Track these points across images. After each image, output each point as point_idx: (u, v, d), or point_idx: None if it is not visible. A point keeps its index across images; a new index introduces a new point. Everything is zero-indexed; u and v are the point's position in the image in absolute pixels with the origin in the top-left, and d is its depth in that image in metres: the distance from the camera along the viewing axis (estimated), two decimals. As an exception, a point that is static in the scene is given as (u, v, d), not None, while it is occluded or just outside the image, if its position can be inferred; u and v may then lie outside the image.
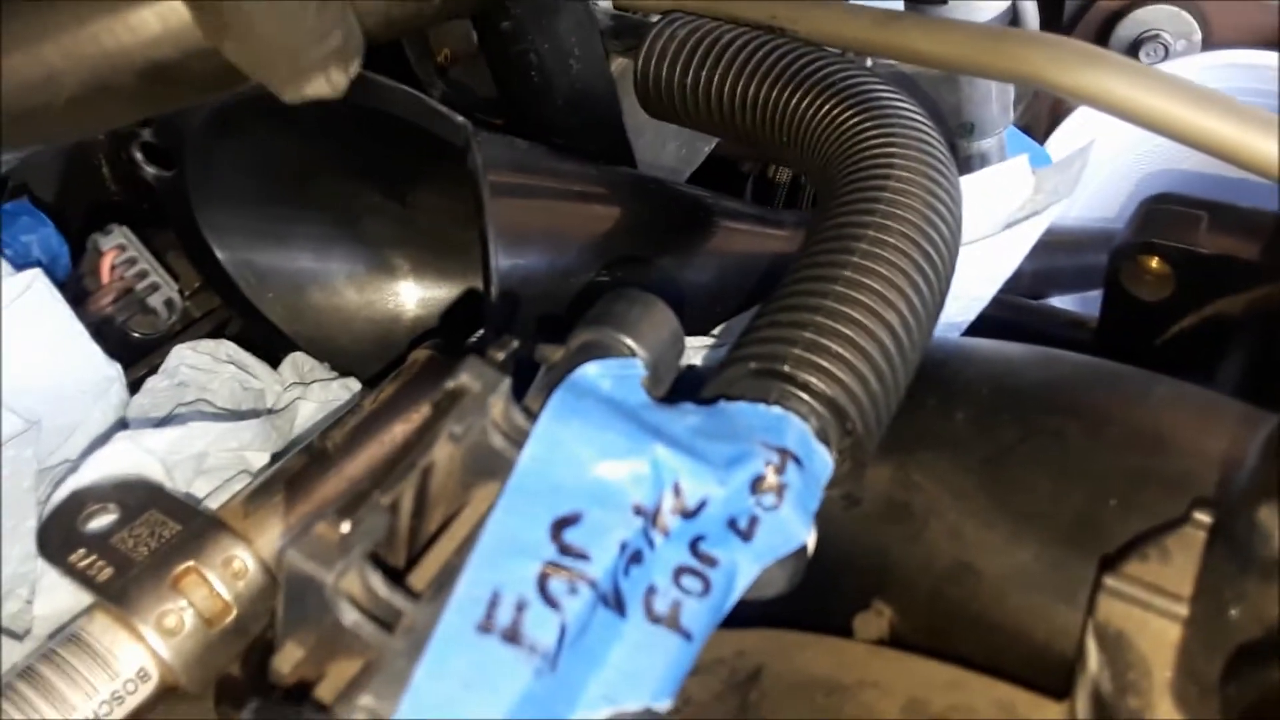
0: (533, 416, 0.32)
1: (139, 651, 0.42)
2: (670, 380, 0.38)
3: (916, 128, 0.49)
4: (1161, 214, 0.56)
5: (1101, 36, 1.02)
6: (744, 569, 0.34)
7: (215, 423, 0.53)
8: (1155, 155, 0.70)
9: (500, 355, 0.32)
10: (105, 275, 0.61)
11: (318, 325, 0.65)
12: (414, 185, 0.65)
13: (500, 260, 0.52)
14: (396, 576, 0.28)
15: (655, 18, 0.59)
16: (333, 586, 0.27)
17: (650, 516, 0.32)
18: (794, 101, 0.53)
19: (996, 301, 0.62)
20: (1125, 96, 0.45)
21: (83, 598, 0.45)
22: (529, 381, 0.36)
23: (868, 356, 0.38)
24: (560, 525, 0.30)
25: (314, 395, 0.62)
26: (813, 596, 0.41)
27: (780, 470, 0.34)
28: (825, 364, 0.37)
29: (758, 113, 0.56)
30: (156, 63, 0.35)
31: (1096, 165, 0.65)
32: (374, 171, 0.65)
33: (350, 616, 0.27)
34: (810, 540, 0.35)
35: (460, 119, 0.52)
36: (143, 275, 0.62)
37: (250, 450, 0.55)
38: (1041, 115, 0.92)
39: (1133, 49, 0.96)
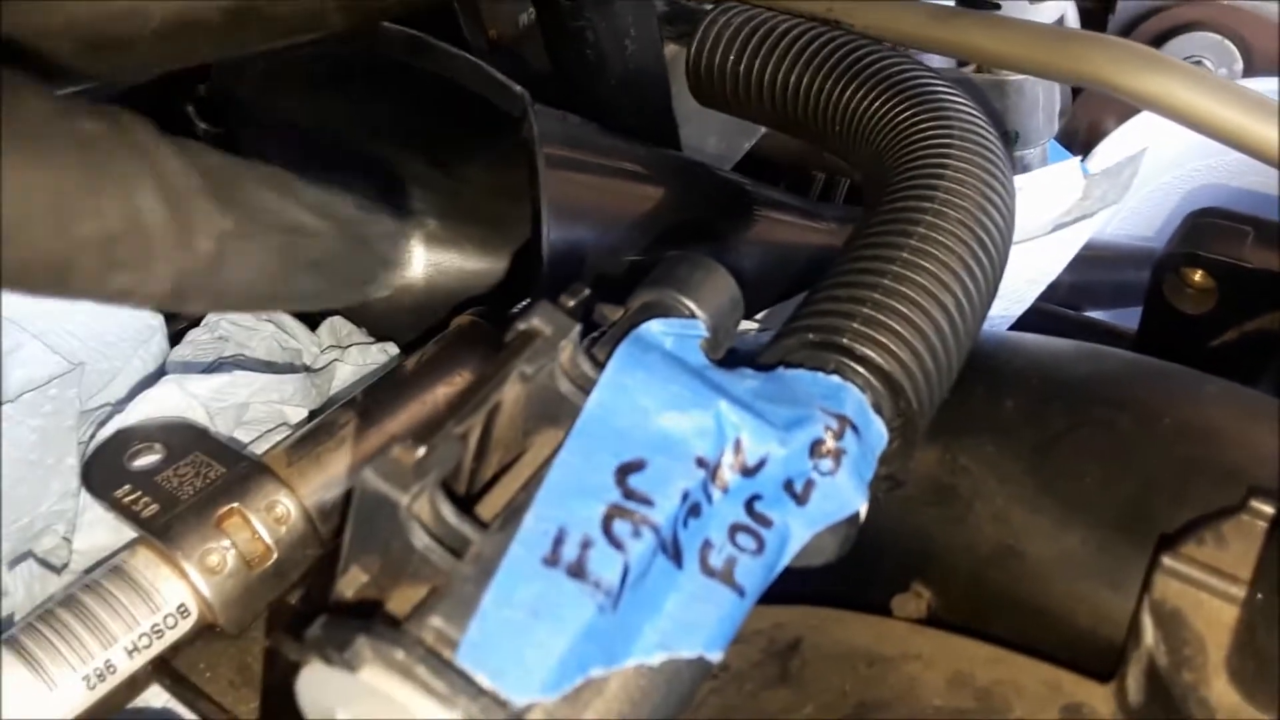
0: (599, 365, 0.33)
1: (180, 587, 0.42)
2: (727, 346, 0.38)
3: (973, 122, 0.49)
4: (1207, 227, 0.56)
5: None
6: (796, 532, 0.34)
7: (258, 374, 0.54)
8: (1197, 175, 0.70)
9: (571, 302, 0.33)
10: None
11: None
12: (460, 157, 0.66)
13: (552, 232, 0.52)
14: (463, 508, 0.29)
15: (710, 5, 0.60)
16: (406, 508, 0.27)
17: (711, 470, 0.32)
18: (848, 94, 0.54)
19: (1035, 309, 0.63)
20: (1186, 101, 0.45)
21: (122, 536, 0.46)
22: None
23: (924, 335, 0.38)
24: (625, 470, 0.30)
25: (352, 358, 0.62)
26: (851, 577, 0.41)
27: (839, 436, 0.34)
28: (883, 339, 0.37)
29: (810, 103, 0.56)
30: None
31: (1138, 183, 0.66)
32: (420, 140, 0.65)
33: (421, 540, 0.27)
34: (863, 509, 0.35)
35: (519, 89, 0.53)
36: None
37: (290, 405, 0.55)
38: (1080, 132, 0.93)
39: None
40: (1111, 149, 0.62)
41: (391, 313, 0.65)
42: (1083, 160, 0.60)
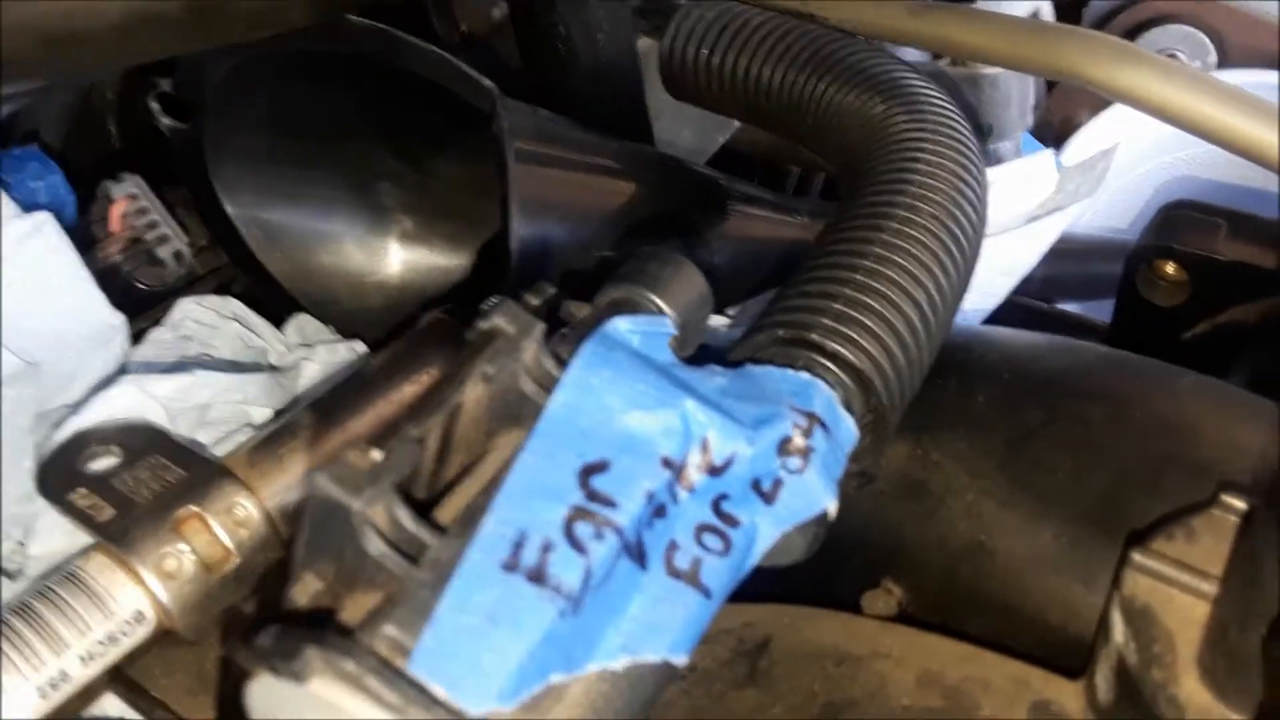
0: (563, 364, 0.32)
1: (137, 593, 0.41)
2: (696, 343, 0.37)
3: (946, 116, 0.49)
4: (1180, 220, 0.56)
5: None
6: (764, 531, 0.33)
7: (221, 374, 0.53)
8: (1170, 168, 0.70)
9: (535, 301, 0.32)
10: (115, 223, 0.61)
11: (324, 287, 0.64)
12: (430, 153, 0.65)
13: (521, 228, 0.52)
14: (421, 512, 0.28)
15: (684, -2, 0.59)
16: (360, 514, 0.26)
17: (677, 470, 0.32)
18: (821, 87, 0.53)
19: (1007, 302, 0.62)
20: (1160, 94, 0.45)
21: (78, 540, 0.45)
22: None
23: (895, 331, 0.38)
24: (588, 472, 0.30)
25: (319, 357, 0.61)
26: (820, 574, 0.41)
27: (807, 434, 0.34)
28: (854, 335, 0.37)
29: (783, 97, 0.56)
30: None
31: (1111, 176, 0.66)
32: (390, 137, 0.64)
33: (376, 546, 0.26)
34: (832, 508, 0.34)
35: (488, 83, 0.52)
36: (153, 226, 0.62)
37: (254, 405, 0.54)
38: (1053, 125, 0.93)
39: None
40: (1085, 142, 0.62)
41: (362, 311, 0.65)
42: (1056, 153, 0.60)
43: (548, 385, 0.31)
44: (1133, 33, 1.00)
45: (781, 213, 0.65)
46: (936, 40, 0.53)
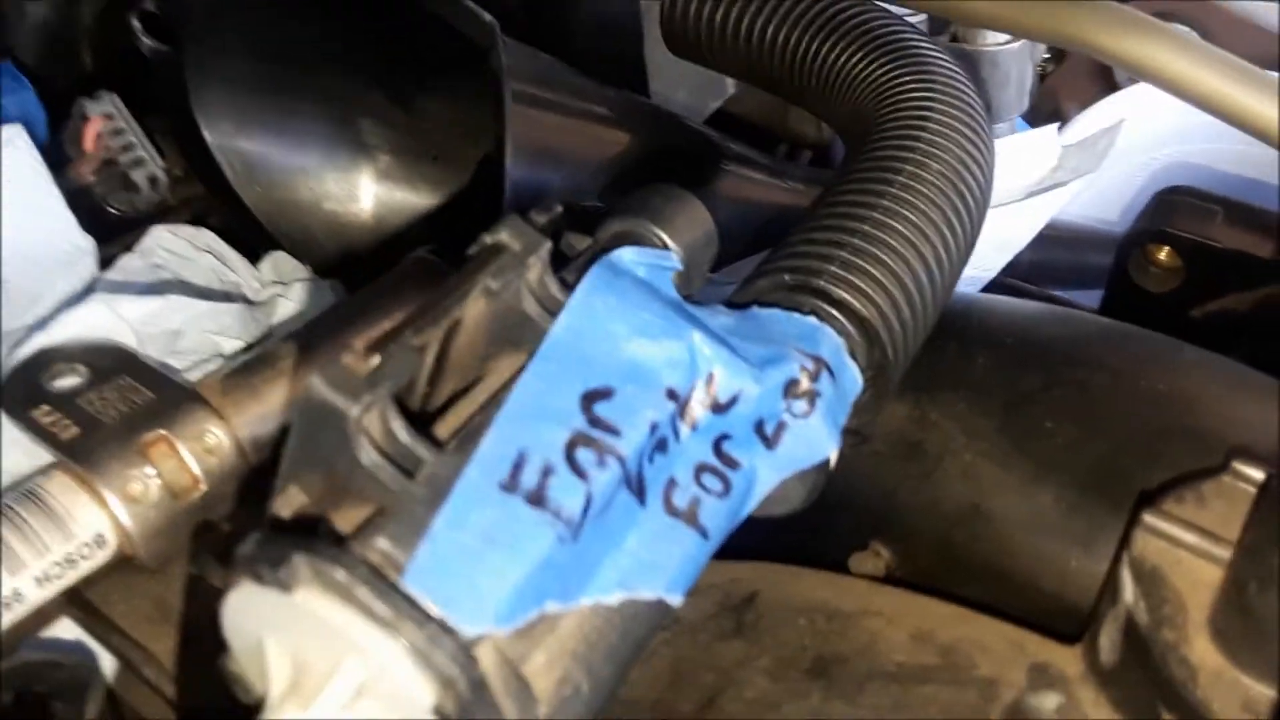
0: (568, 288, 0.31)
1: (99, 516, 0.39)
2: (700, 284, 0.36)
3: (954, 79, 0.48)
4: (1176, 205, 0.56)
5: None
6: (764, 475, 0.32)
7: (195, 300, 0.51)
8: (1165, 165, 0.70)
9: (541, 219, 0.31)
10: (89, 143, 0.58)
11: (304, 225, 0.62)
12: (421, 92, 0.63)
13: (515, 170, 0.50)
14: (417, 426, 0.27)
15: (689, -48, 0.57)
16: (355, 420, 0.25)
17: (681, 404, 0.30)
18: (826, 48, 0.52)
19: (996, 283, 0.62)
20: (1171, 67, 0.44)
21: (38, 459, 0.43)
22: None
23: (902, 284, 0.37)
24: (591, 397, 0.29)
25: (295, 294, 0.59)
26: (807, 534, 0.40)
27: (814, 378, 0.33)
28: (862, 285, 0.36)
29: (787, 57, 0.55)
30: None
31: (1109, 161, 0.65)
32: (378, 73, 0.62)
33: (370, 456, 0.25)
34: (834, 456, 0.33)
35: (488, 17, 0.50)
36: (128, 148, 0.59)
37: (227, 336, 0.52)
38: (1041, 118, 0.92)
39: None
40: (1088, 122, 0.62)
41: (340, 251, 0.63)
42: (1060, 128, 0.59)
43: (552, 308, 0.30)
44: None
45: (774, 176, 0.64)
46: (945, 5, 0.52)
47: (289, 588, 0.23)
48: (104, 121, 0.59)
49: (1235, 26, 0.89)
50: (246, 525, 0.39)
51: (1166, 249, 0.56)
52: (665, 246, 0.34)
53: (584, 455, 0.27)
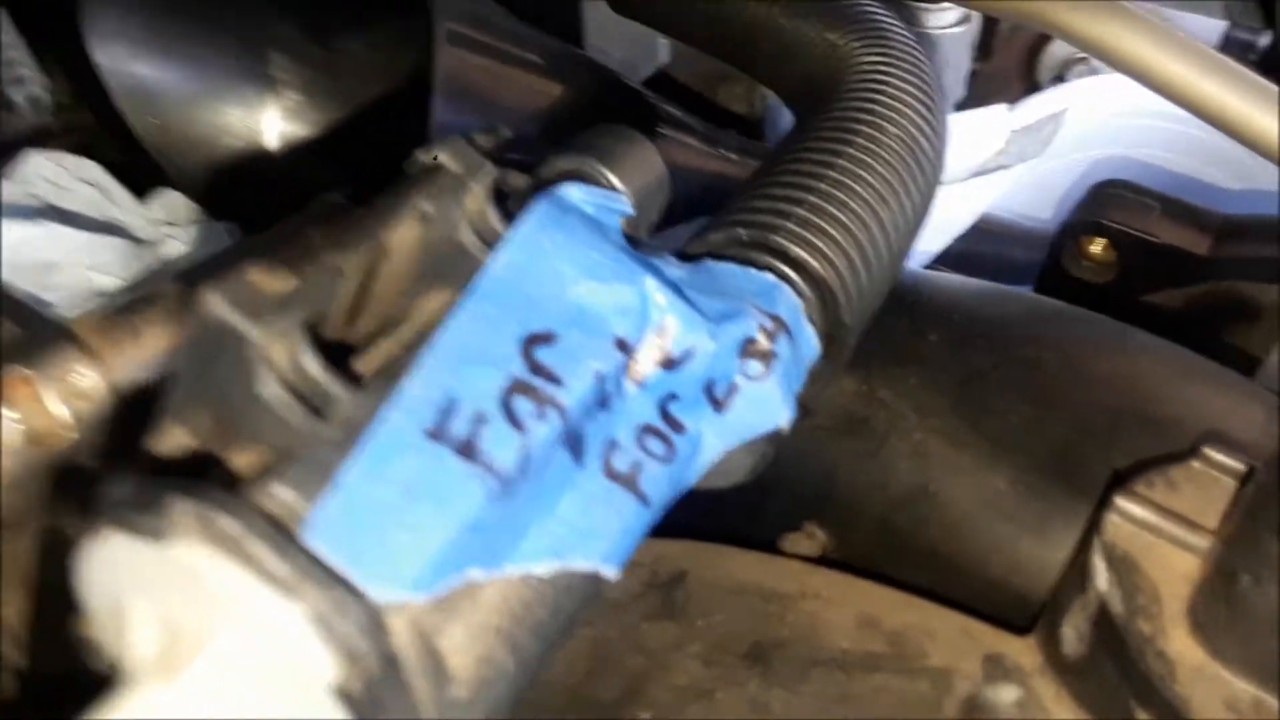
0: (510, 219, 0.27)
1: (-56, 460, 0.34)
2: (647, 232, 0.33)
3: (910, 49, 0.46)
4: (1114, 198, 0.55)
5: (1031, 54, 1.03)
6: (710, 442, 0.29)
7: (74, 231, 0.46)
8: (1101, 159, 0.69)
9: (485, 144, 0.27)
10: (-42, 51, 0.52)
11: (199, 161, 0.57)
12: (340, 28, 0.58)
13: (441, 113, 0.47)
14: (332, 360, 0.23)
15: (638, -97, 0.54)
16: (259, 346, 0.21)
17: (628, 355, 0.27)
18: (781, 13, 0.51)
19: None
20: (1134, 52, 0.43)
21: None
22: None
23: (860, 247, 0.35)
24: (532, 341, 0.25)
25: (186, 236, 0.54)
26: (737, 511, 0.37)
27: (772, 337, 0.30)
28: (820, 244, 0.33)
29: (737, 21, 0.52)
30: None
31: (1038, 163, 0.65)
32: (296, 3, 0.57)
33: (273, 389, 0.21)
34: (786, 425, 0.31)
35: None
36: (10, 63, 0.53)
37: (107, 273, 0.47)
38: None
39: (1061, 69, 0.97)
40: (1034, 107, 0.61)
41: (235, 189, 0.58)
42: (1009, 108, 0.58)
43: (491, 241, 0.27)
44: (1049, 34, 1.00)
45: (710, 144, 0.61)
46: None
47: (165, 536, 0.19)
48: (-22, 29, 0.53)
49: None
50: (116, 471, 0.34)
51: (1102, 241, 0.55)
52: (614, 188, 0.31)
53: (521, 404, 0.24)
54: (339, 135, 0.59)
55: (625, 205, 0.31)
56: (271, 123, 0.58)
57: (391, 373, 0.24)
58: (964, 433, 0.35)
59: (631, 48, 0.71)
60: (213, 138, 0.58)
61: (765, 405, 0.30)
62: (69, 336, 0.38)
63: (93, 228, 0.50)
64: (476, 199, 0.26)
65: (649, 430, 0.28)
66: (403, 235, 0.25)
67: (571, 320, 0.26)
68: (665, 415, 0.29)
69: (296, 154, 0.59)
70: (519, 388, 0.24)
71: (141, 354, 0.40)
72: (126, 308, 0.41)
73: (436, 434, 0.23)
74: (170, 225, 0.56)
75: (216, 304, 0.21)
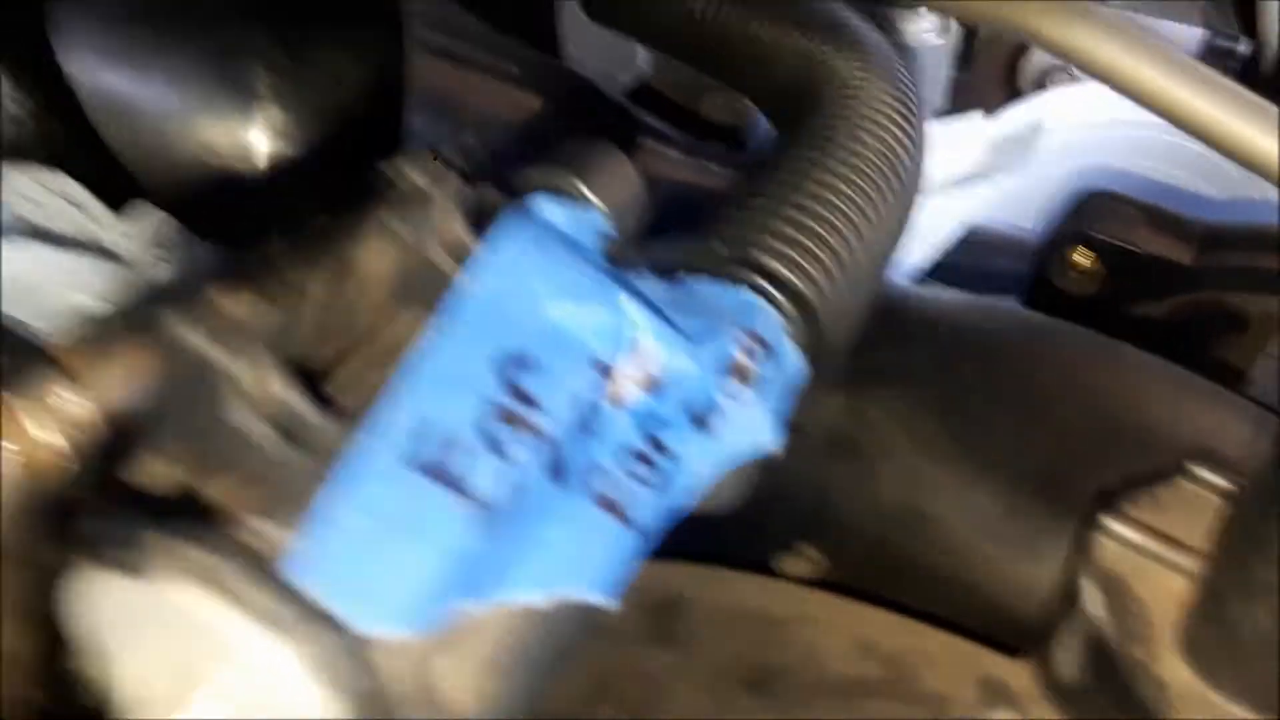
0: (482, 236, 0.27)
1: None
2: (624, 250, 0.33)
3: (889, 60, 0.47)
4: (1100, 209, 0.55)
5: (1012, 63, 1.03)
6: (696, 465, 0.29)
7: (55, 251, 0.45)
8: (1084, 168, 0.69)
9: (454, 159, 0.27)
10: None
11: (177, 178, 0.56)
12: (312, 38, 0.58)
13: (415, 123, 0.46)
14: (303, 383, 0.22)
15: (614, -89, 0.54)
16: (230, 373, 0.21)
17: (607, 377, 0.27)
18: (758, 22, 0.50)
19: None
20: (1110, 60, 0.43)
21: None
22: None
23: (841, 262, 0.34)
24: (510, 365, 0.25)
25: (169, 256, 0.54)
26: (727, 533, 0.37)
27: (753, 355, 0.30)
28: (800, 260, 0.33)
29: (715, 29, 0.52)
30: None
31: (1025, 168, 0.65)
32: (268, 13, 0.57)
33: (247, 420, 0.21)
34: (775, 449, 0.30)
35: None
36: (-22, 79, 0.53)
37: (90, 294, 0.47)
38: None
39: (1042, 78, 0.97)
40: (1014, 116, 0.61)
41: (213, 204, 0.57)
42: (987, 117, 0.58)
43: (461, 257, 0.26)
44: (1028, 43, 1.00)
45: (691, 156, 0.61)
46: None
47: (142, 572, 0.19)
48: (-51, 46, 0.52)
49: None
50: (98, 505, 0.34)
51: (1088, 252, 0.55)
52: (589, 203, 0.31)
53: (501, 430, 0.24)
54: (317, 148, 0.59)
55: (601, 222, 0.30)
56: (253, 140, 0.58)
57: (367, 398, 0.23)
58: (951, 452, 0.35)
59: (610, 57, 0.70)
60: (190, 152, 0.57)
61: (750, 426, 0.29)
62: (59, 364, 0.38)
63: (75, 248, 0.50)
64: (446, 214, 0.26)
65: (633, 454, 0.28)
66: (370, 252, 0.24)
67: (548, 342, 0.26)
68: (648, 438, 0.28)
69: (279, 172, 0.58)
70: (498, 413, 0.24)
71: (124, 382, 0.39)
72: (104, 334, 0.41)
73: (417, 462, 0.22)
74: (151, 245, 0.55)
75: (183, 330, 0.20)
